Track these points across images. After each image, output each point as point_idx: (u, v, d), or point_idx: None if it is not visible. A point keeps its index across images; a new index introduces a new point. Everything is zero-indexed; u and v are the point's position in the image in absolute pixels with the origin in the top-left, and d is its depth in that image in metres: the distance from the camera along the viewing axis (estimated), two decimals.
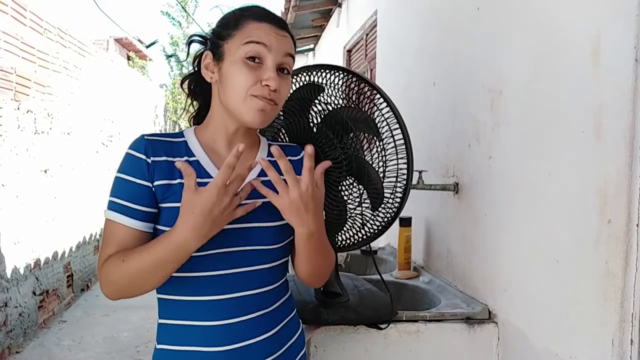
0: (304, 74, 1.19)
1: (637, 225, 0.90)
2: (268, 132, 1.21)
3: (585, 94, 1.01)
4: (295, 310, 1.02)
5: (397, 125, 1.13)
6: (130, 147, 0.89)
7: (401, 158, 1.14)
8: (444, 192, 1.68)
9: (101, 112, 5.33)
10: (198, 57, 0.99)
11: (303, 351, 1.01)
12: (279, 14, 5.28)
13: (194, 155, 0.92)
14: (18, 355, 3.32)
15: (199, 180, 0.83)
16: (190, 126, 1.01)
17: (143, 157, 0.87)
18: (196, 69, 1.00)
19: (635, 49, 0.88)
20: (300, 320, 1.05)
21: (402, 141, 1.13)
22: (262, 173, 0.93)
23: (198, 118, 1.03)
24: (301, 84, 1.20)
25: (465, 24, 1.59)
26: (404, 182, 1.15)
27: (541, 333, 1.17)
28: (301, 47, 6.68)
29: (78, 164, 4.66)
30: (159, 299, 0.93)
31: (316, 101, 1.17)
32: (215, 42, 0.93)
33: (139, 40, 10.42)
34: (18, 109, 3.52)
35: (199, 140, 0.94)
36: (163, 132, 1.04)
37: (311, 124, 1.15)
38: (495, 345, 1.37)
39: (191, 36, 1.01)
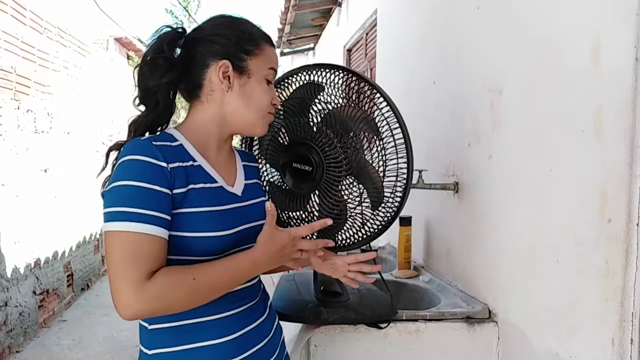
0: (304, 73, 1.19)
1: (637, 224, 0.90)
2: (268, 133, 1.21)
3: (585, 93, 1.01)
4: (270, 301, 1.10)
5: (397, 125, 1.13)
6: (141, 154, 0.85)
7: (401, 157, 1.14)
8: (444, 192, 1.68)
9: (101, 112, 5.33)
10: (185, 57, 0.96)
11: (283, 335, 1.11)
12: (279, 13, 5.30)
13: (196, 160, 0.93)
14: (18, 355, 3.32)
15: (204, 185, 0.91)
16: (140, 131, 0.96)
17: (164, 164, 0.85)
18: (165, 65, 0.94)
19: (635, 49, 0.88)
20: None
21: (402, 140, 1.13)
22: (247, 176, 1.04)
23: (152, 125, 0.97)
24: (301, 83, 1.20)
25: (465, 24, 1.59)
26: (404, 181, 1.15)
27: (541, 332, 1.18)
28: (301, 47, 6.68)
29: (78, 163, 4.66)
30: (152, 330, 0.91)
31: (316, 100, 1.17)
32: (236, 54, 0.95)
33: (139, 40, 10.41)
34: (18, 108, 3.52)
35: (191, 143, 0.95)
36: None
37: (311, 124, 1.15)
38: (495, 345, 1.37)
39: (163, 27, 0.97)
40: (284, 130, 1.17)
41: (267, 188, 1.23)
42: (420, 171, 1.64)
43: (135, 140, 0.89)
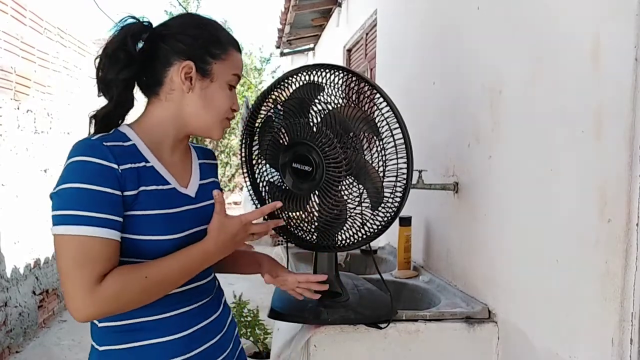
0: (304, 73, 1.19)
1: (637, 225, 0.90)
2: (268, 133, 1.21)
3: (585, 93, 1.01)
4: (224, 296, 1.12)
5: (396, 125, 1.13)
6: (90, 155, 0.83)
7: (401, 157, 1.14)
8: (444, 192, 1.68)
9: None
10: (150, 53, 0.95)
11: (237, 329, 1.13)
12: (279, 13, 5.30)
13: (148, 162, 0.92)
14: (18, 355, 3.32)
15: (156, 187, 0.90)
16: (95, 127, 0.94)
17: (114, 166, 0.84)
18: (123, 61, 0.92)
19: (635, 48, 0.88)
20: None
21: (402, 140, 1.13)
22: (203, 176, 1.04)
23: (108, 119, 0.95)
24: (301, 83, 1.20)
25: (465, 24, 1.59)
26: (404, 181, 1.15)
27: (541, 332, 1.18)
28: (301, 47, 6.68)
29: None
30: (101, 327, 0.91)
31: (316, 101, 1.17)
32: (201, 56, 0.95)
33: None
34: (18, 108, 3.52)
35: (144, 142, 0.93)
36: None
37: (311, 124, 1.15)
38: (495, 345, 1.37)
39: (128, 18, 0.95)
40: (283, 131, 1.17)
41: (267, 188, 1.23)
42: (420, 171, 1.64)
43: (85, 140, 0.87)
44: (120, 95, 0.93)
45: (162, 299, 0.90)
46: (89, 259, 0.80)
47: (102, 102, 0.97)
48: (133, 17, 0.95)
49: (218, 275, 1.12)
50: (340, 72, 1.16)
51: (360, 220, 1.19)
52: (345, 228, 1.21)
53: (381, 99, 1.14)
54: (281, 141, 1.18)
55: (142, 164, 0.90)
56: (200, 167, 1.06)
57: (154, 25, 0.98)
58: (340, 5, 4.45)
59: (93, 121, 0.94)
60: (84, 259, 0.80)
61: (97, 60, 0.93)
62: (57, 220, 0.82)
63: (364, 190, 1.17)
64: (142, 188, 0.88)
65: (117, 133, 0.92)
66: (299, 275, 1.15)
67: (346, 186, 1.17)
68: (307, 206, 1.19)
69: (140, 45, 0.96)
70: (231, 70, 0.98)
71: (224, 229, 0.90)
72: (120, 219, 0.85)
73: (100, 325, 0.91)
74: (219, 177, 1.19)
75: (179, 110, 0.96)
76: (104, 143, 0.86)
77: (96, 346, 0.93)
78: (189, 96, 0.95)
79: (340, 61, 4.37)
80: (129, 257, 0.87)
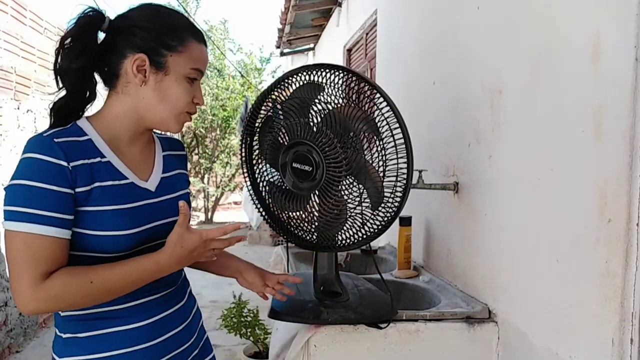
0: (304, 73, 1.19)
1: (637, 224, 0.90)
2: (268, 133, 1.21)
3: (585, 93, 1.01)
4: (190, 287, 1.12)
5: (397, 125, 1.13)
6: (39, 152, 0.83)
7: (401, 157, 1.14)
8: (444, 192, 1.68)
9: None
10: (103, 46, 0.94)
11: (202, 319, 1.14)
12: (279, 13, 5.30)
13: (104, 156, 0.91)
14: (18, 355, 3.32)
15: (112, 182, 0.90)
16: (52, 119, 0.94)
17: (63, 163, 0.83)
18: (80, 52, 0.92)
19: (635, 48, 0.88)
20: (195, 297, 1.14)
21: (402, 140, 1.13)
22: (166, 168, 1.03)
23: (66, 110, 0.94)
24: (301, 83, 1.20)
25: (465, 24, 1.59)
26: (404, 181, 1.15)
27: (541, 332, 1.18)
28: (301, 47, 6.68)
29: None
30: (65, 316, 0.92)
31: (316, 101, 1.17)
32: (155, 49, 0.92)
33: None
34: (18, 108, 3.52)
35: (101, 136, 0.92)
36: None
37: (311, 124, 1.15)
38: (495, 345, 1.37)
39: (86, 10, 0.93)
40: (284, 131, 1.17)
41: (267, 188, 1.23)
42: (420, 171, 1.64)
43: (37, 136, 0.86)
44: (75, 84, 0.92)
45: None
46: (35, 256, 0.81)
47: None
48: (92, 9, 0.94)
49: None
50: (341, 72, 1.16)
51: (361, 220, 1.19)
52: (345, 228, 1.21)
53: (381, 99, 1.14)
54: (281, 141, 1.18)
55: (97, 159, 0.90)
56: (164, 160, 1.04)
57: (114, 16, 0.97)
58: (340, 5, 4.45)
59: (52, 111, 0.94)
60: (30, 256, 0.81)
61: (55, 50, 0.92)
62: (7, 216, 0.82)
63: (364, 190, 1.17)
64: (96, 184, 0.88)
65: (74, 127, 0.91)
66: (280, 275, 1.22)
67: (346, 186, 1.17)
68: (307, 206, 1.19)
69: (101, 36, 0.95)
70: (189, 63, 0.94)
71: (182, 243, 0.89)
72: (70, 217, 0.84)
73: (62, 314, 0.92)
74: (188, 170, 1.18)
75: (135, 104, 0.94)
76: (55, 139, 0.85)
77: (60, 334, 0.94)
78: (143, 89, 0.93)
79: (340, 61, 4.37)
80: (84, 252, 0.88)
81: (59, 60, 0.91)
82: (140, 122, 0.96)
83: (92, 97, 0.96)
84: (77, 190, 0.85)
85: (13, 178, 0.83)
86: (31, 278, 0.81)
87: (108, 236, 0.87)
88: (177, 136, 3.84)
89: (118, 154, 0.94)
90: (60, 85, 0.93)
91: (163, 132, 1.07)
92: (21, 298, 0.82)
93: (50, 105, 0.94)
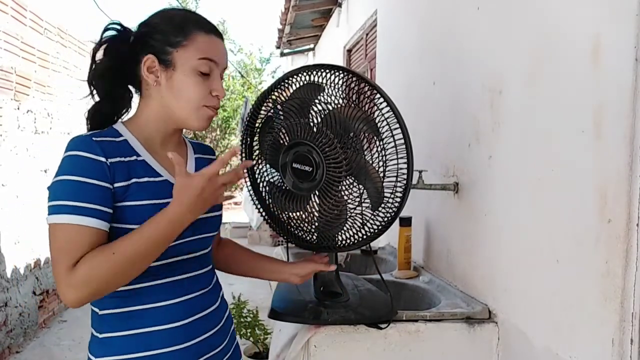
0: (304, 73, 1.19)
1: (637, 225, 0.90)
2: (268, 133, 1.21)
3: (585, 94, 1.01)
4: (222, 292, 1.13)
5: (397, 125, 1.13)
6: (80, 149, 0.88)
7: (401, 158, 1.14)
8: (444, 192, 1.68)
9: None
10: (121, 52, 0.98)
11: (233, 325, 1.14)
12: (279, 13, 5.30)
13: (139, 155, 0.96)
14: (18, 355, 3.32)
15: (148, 179, 0.94)
16: (89, 124, 1.00)
17: (102, 159, 0.89)
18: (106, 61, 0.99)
19: (635, 49, 0.88)
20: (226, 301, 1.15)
21: (402, 141, 1.13)
22: (198, 169, 1.05)
23: (100, 116, 1.00)
24: (301, 83, 1.20)
25: (465, 24, 1.59)
26: (404, 181, 1.15)
27: (541, 333, 1.18)
28: (301, 47, 6.68)
29: None
30: (102, 315, 0.95)
31: (316, 101, 1.17)
32: (161, 48, 0.95)
33: None
34: (18, 108, 3.52)
35: (137, 138, 0.98)
36: None
37: (311, 124, 1.15)
38: (495, 345, 1.37)
39: (109, 24, 0.99)
40: (284, 131, 1.17)
41: (267, 188, 1.23)
42: (420, 171, 1.64)
43: (78, 136, 0.92)
44: (105, 92, 0.99)
45: (160, 287, 0.94)
46: (70, 247, 0.84)
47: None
48: (116, 24, 1.00)
49: (220, 274, 1.15)
50: (341, 72, 1.16)
51: (361, 221, 1.19)
52: (345, 228, 1.21)
53: (381, 99, 1.14)
54: (281, 141, 1.18)
55: (133, 157, 0.94)
56: (196, 161, 1.09)
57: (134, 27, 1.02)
58: (340, 5, 4.45)
59: (87, 117, 1.00)
60: (66, 247, 0.85)
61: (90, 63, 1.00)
62: (49, 211, 0.87)
63: (364, 191, 1.17)
64: (133, 180, 0.92)
65: (111, 130, 0.96)
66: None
67: (346, 186, 1.17)
68: (308, 206, 1.19)
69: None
70: (196, 54, 0.95)
71: (187, 188, 0.86)
72: (108, 210, 0.88)
73: (100, 312, 0.95)
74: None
75: (159, 105, 0.98)
76: (94, 138, 0.90)
77: (96, 334, 0.96)
78: (160, 90, 0.97)
79: (340, 61, 4.37)
80: None
81: (89, 72, 0.99)
82: (169, 122, 1.00)
83: (125, 103, 1.02)
84: (116, 185, 0.89)
85: (56, 175, 0.88)
86: (65, 268, 0.83)
87: None
88: None
89: (152, 154, 0.98)
90: (95, 94, 1.00)
91: (193, 133, 1.10)
92: (61, 288, 0.84)
93: (86, 112, 1.00)
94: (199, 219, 0.95)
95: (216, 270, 1.15)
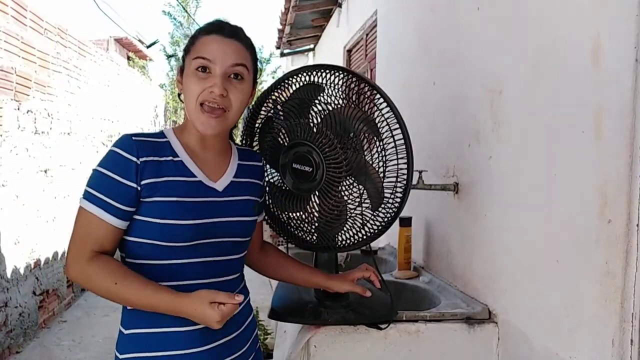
0: (304, 74, 1.19)
1: (637, 225, 0.90)
2: (268, 134, 1.21)
3: (585, 94, 1.01)
4: (249, 297, 1.14)
5: (397, 125, 1.13)
6: (118, 146, 0.95)
7: (401, 158, 1.14)
8: (444, 192, 1.68)
9: (101, 112, 5.33)
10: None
11: (256, 330, 1.16)
12: (279, 13, 5.30)
13: (177, 156, 1.01)
14: (18, 355, 3.32)
15: (183, 178, 0.98)
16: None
17: (133, 158, 0.94)
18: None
19: (636, 49, 0.88)
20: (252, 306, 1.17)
21: (402, 141, 1.13)
22: (238, 174, 1.07)
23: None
24: (301, 84, 1.20)
25: (465, 24, 1.59)
26: (404, 182, 1.15)
27: (541, 333, 1.18)
28: (301, 47, 6.68)
29: (78, 164, 4.66)
30: (130, 310, 0.99)
31: (316, 101, 1.17)
32: (183, 59, 1.03)
33: (140, 40, 10.39)
34: (18, 109, 3.52)
35: (180, 141, 1.03)
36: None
37: (311, 124, 1.15)
38: (495, 345, 1.37)
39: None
40: (284, 131, 1.17)
41: (267, 189, 1.23)
42: (420, 172, 1.64)
43: (124, 134, 0.98)
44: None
45: (184, 288, 0.96)
46: (85, 234, 0.94)
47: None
48: None
49: None
50: (340, 72, 1.16)
51: (361, 221, 1.19)
52: (345, 228, 1.21)
53: (381, 100, 1.14)
54: (281, 142, 1.18)
55: (170, 157, 0.99)
56: (238, 167, 1.10)
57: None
58: (340, 5, 4.45)
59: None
60: (83, 232, 0.94)
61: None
62: (84, 195, 0.95)
63: (364, 191, 1.17)
64: (164, 178, 0.96)
65: (160, 132, 1.04)
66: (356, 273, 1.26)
67: (346, 187, 1.17)
68: (308, 207, 1.19)
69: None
70: (194, 55, 0.99)
71: (201, 314, 0.91)
72: (127, 209, 0.94)
73: (126, 332, 0.99)
74: None
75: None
76: (134, 138, 0.97)
77: (122, 329, 1.00)
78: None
79: (340, 62, 4.37)
80: (145, 239, 0.95)
81: None
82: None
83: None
84: (143, 182, 0.94)
85: (98, 164, 0.96)
86: (77, 250, 0.93)
87: (168, 224, 0.94)
88: None
89: (192, 156, 1.02)
90: None
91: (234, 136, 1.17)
92: (68, 262, 0.94)
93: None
94: (233, 200, 1.03)
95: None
